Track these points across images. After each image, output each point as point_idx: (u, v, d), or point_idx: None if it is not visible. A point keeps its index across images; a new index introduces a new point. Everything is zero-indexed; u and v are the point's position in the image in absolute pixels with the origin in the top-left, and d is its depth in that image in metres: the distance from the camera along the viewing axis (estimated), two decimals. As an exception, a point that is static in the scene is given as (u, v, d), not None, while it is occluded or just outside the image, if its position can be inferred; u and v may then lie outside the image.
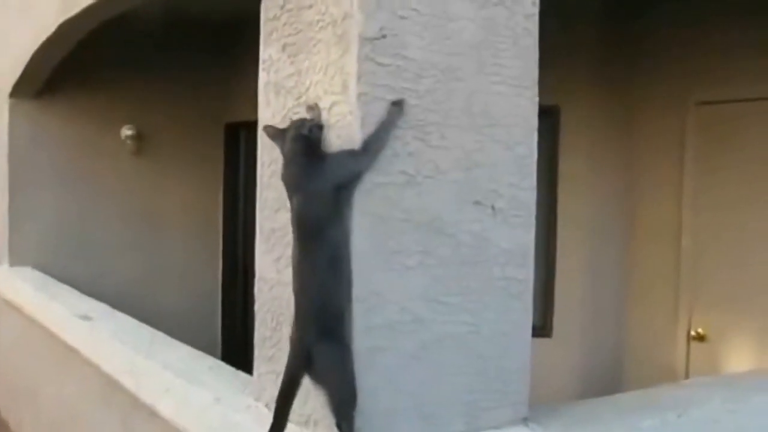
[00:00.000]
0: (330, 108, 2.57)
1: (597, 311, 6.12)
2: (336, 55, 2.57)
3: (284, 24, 2.84)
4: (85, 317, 5.18)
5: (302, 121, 2.57)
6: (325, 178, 2.42)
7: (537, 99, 2.82)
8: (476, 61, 2.67)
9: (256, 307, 2.98)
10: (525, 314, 2.86)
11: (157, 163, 7.89)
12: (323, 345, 2.40)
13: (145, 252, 7.90)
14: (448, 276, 2.66)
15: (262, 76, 2.96)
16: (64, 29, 5.76)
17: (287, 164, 2.54)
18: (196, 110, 7.98)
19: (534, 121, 2.82)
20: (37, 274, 7.03)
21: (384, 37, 2.53)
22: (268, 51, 2.94)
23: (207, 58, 7.95)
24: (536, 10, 2.81)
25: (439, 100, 2.60)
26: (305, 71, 2.71)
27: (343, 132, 2.52)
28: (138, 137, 7.72)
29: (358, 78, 2.50)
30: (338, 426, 2.43)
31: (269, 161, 2.89)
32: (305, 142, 2.50)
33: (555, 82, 4.64)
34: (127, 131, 7.67)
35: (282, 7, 2.86)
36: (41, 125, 7.39)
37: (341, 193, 2.44)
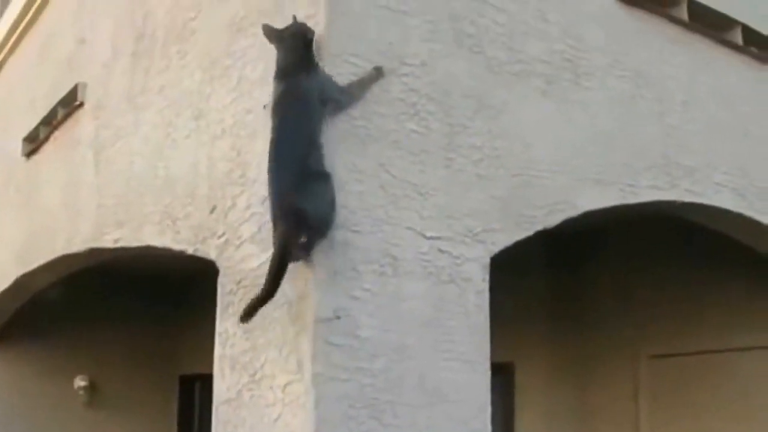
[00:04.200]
0: (284, 387, 2.60)
1: None
2: (291, 335, 2.62)
3: (240, 299, 2.89)
4: None
5: (303, 24, 2.81)
6: (316, 79, 2.74)
7: (489, 374, 2.86)
8: (429, 338, 2.74)
9: None
10: None
11: (111, 414, 7.74)
12: (308, 184, 2.63)
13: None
14: None
15: (218, 350, 2.99)
16: (21, 282, 5.80)
17: (286, 52, 2.78)
18: (150, 362, 7.92)
19: (487, 396, 2.85)
20: None
21: (338, 317, 2.59)
22: (224, 324, 2.98)
23: (162, 310, 7.94)
24: (486, 286, 2.90)
25: (392, 378, 2.64)
26: (260, 347, 2.74)
27: (299, 411, 2.53)
28: (91, 388, 7.61)
29: (313, 358, 2.54)
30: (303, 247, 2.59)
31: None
32: (305, 40, 2.76)
33: (508, 339, 4.69)
34: (80, 382, 7.57)
35: (238, 283, 2.93)
36: (-7, 375, 7.30)
37: (323, 104, 2.72)
